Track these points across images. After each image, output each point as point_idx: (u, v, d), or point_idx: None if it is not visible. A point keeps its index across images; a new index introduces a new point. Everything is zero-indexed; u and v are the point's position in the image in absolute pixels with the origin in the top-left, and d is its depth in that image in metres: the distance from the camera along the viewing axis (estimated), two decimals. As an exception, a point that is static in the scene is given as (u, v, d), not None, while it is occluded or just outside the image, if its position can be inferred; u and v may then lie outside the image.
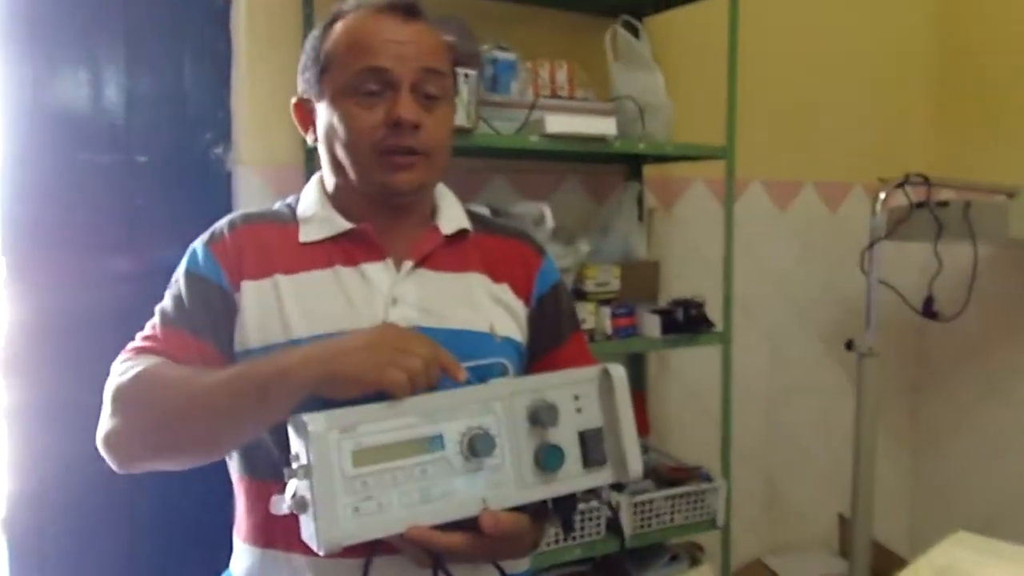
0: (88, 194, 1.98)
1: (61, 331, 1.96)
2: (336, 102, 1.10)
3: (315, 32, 1.15)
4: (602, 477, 0.99)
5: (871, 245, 2.32)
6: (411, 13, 1.11)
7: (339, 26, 1.12)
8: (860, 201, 2.98)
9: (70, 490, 1.98)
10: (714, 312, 2.24)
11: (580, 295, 2.11)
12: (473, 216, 1.24)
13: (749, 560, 2.82)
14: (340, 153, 1.11)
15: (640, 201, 2.43)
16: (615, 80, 2.17)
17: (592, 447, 0.97)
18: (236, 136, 2.07)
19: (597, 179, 2.49)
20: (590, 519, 2.03)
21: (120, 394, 1.05)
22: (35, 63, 1.93)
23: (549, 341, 1.21)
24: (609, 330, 2.09)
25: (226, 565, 1.19)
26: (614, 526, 2.04)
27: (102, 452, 1.06)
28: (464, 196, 2.22)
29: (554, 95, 2.11)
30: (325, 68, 1.11)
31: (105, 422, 1.06)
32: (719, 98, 2.22)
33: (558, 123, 1.93)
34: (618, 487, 2.07)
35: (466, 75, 1.76)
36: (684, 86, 2.39)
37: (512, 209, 2.05)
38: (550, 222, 2.00)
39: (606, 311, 2.10)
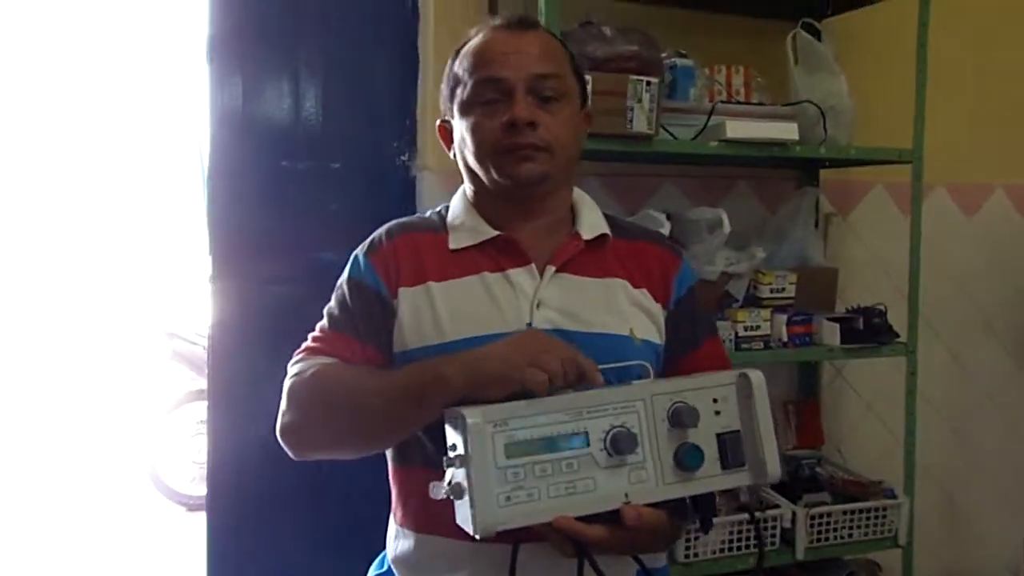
0: (287, 199, 2.13)
1: (260, 325, 2.12)
2: (464, 114, 1.19)
3: (450, 59, 1.24)
4: (740, 479, 1.01)
5: (1071, 253, 2.18)
6: (523, 26, 1.21)
7: (464, 49, 1.22)
8: (1058, 205, 2.79)
9: (264, 472, 2.13)
10: (895, 321, 2.16)
11: (754, 301, 2.09)
12: (612, 221, 1.28)
13: (926, 582, 2.70)
14: (471, 160, 1.20)
15: (817, 206, 2.38)
16: (796, 83, 2.13)
17: (730, 449, 1.01)
18: (421, 144, 2.17)
19: (769, 184, 2.45)
20: (765, 529, 2.00)
21: (296, 392, 1.17)
22: (243, 77, 2.09)
23: (687, 343, 1.24)
24: (785, 337, 2.05)
25: None
26: (788, 538, 2.01)
27: (280, 442, 1.19)
28: (636, 202, 2.26)
29: (731, 99, 2.10)
30: (454, 87, 1.21)
31: (282, 416, 1.18)
32: (903, 99, 2.14)
33: (738, 128, 1.91)
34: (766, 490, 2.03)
35: (648, 83, 1.78)
36: (865, 87, 2.32)
37: (688, 215, 2.05)
38: (727, 227, 1.98)
39: (782, 318, 2.06)
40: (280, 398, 1.19)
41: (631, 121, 1.77)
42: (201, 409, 3.21)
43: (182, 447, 4.37)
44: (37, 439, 5.76)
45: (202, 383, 3.56)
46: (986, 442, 2.80)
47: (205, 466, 2.19)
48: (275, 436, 1.36)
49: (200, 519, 2.32)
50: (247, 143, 2.08)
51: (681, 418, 0.99)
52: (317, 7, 2.12)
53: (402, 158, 2.19)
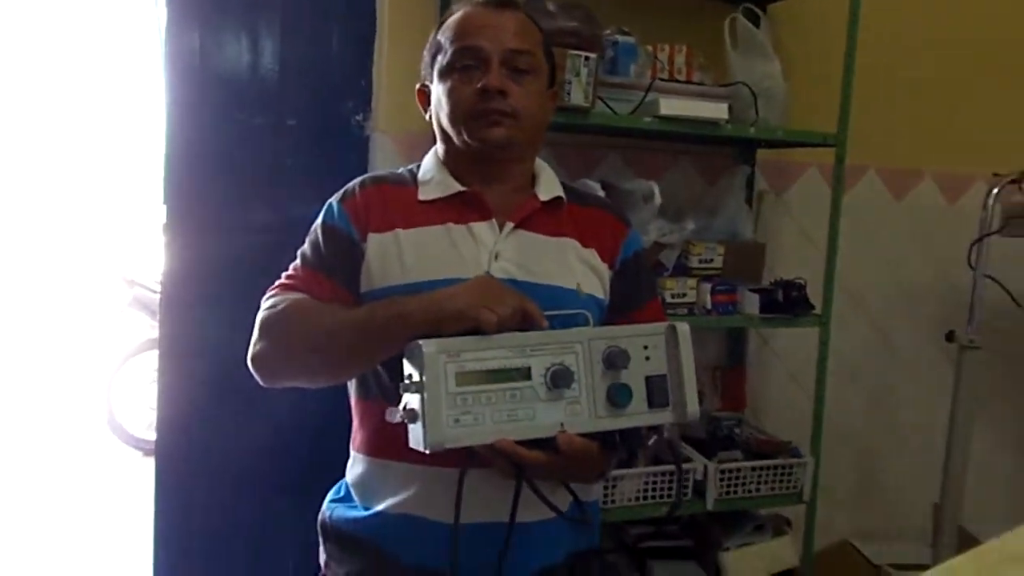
0: (242, 152, 2.20)
1: (212, 273, 2.20)
2: (442, 79, 1.33)
3: (434, 29, 1.38)
4: (664, 416, 1.16)
5: (980, 239, 2.33)
6: (503, 5, 1.34)
7: (447, 20, 1.35)
8: (982, 194, 2.93)
9: (213, 415, 2.22)
10: (817, 295, 2.30)
11: (684, 270, 2.21)
12: (568, 189, 1.42)
13: (839, 540, 2.87)
14: (445, 122, 1.33)
15: (750, 184, 2.50)
16: (732, 67, 2.24)
17: (656, 390, 1.15)
18: (375, 105, 2.27)
19: (710, 161, 2.57)
20: (678, 481, 2.14)
21: (268, 323, 1.29)
22: (201, 32, 2.16)
23: (630, 302, 1.38)
24: (709, 305, 2.18)
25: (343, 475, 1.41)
26: (700, 489, 2.15)
27: (251, 369, 1.30)
28: (580, 171, 2.37)
29: (672, 78, 2.20)
30: (435, 54, 1.35)
31: (254, 345, 1.30)
32: (838, 84, 2.26)
33: (671, 106, 2.02)
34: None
35: (586, 58, 1.88)
36: (805, 72, 2.44)
37: (623, 185, 2.16)
38: (658, 199, 2.10)
39: (707, 287, 2.19)
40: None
41: (569, 94, 1.88)
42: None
43: (140, 393, 4.44)
44: (-5, 382, 5.80)
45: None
46: (905, 413, 2.96)
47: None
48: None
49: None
50: (203, 97, 2.15)
51: (614, 360, 1.13)
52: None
53: (357, 118, 2.27)
